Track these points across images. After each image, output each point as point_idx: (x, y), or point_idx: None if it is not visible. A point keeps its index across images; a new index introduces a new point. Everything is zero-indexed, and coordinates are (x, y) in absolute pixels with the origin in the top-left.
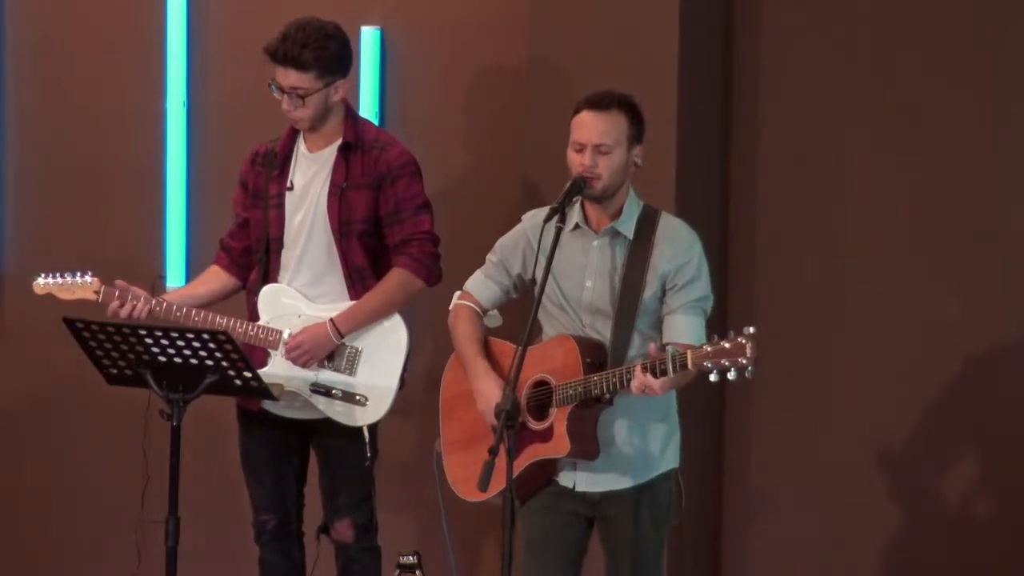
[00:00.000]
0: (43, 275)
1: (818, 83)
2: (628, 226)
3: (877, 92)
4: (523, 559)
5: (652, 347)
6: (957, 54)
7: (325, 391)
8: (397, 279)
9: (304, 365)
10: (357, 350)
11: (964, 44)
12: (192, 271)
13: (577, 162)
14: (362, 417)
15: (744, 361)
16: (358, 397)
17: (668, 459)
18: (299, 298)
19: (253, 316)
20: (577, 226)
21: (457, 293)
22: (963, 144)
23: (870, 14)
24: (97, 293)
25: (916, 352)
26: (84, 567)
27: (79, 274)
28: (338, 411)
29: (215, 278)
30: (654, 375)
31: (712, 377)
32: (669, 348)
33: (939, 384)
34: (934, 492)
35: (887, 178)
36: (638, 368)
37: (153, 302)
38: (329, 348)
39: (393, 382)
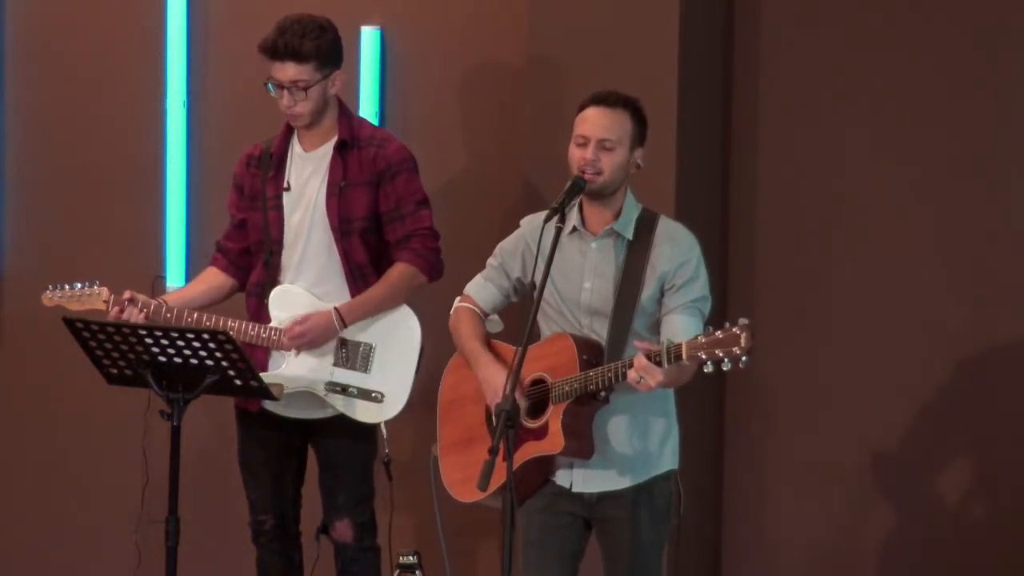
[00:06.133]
0: (51, 287)
1: (818, 83)
2: (627, 227)
3: (877, 91)
4: (521, 559)
5: (646, 344)
6: (957, 53)
7: (341, 389)
8: (401, 273)
9: (303, 349)
10: (371, 347)
11: (965, 43)
12: (192, 271)
13: (579, 156)
14: (378, 414)
15: (738, 351)
16: (374, 394)
17: (666, 460)
18: (309, 298)
19: (254, 317)
20: (575, 229)
21: (458, 298)
22: (964, 143)
23: (870, 13)
24: (107, 303)
25: (916, 352)
26: (84, 567)
27: (87, 284)
28: (355, 409)
29: (214, 279)
30: None
31: (707, 368)
32: (664, 340)
33: (939, 384)
34: (934, 492)
35: (887, 177)
36: (639, 355)
37: (164, 309)
38: (332, 336)
39: (408, 378)
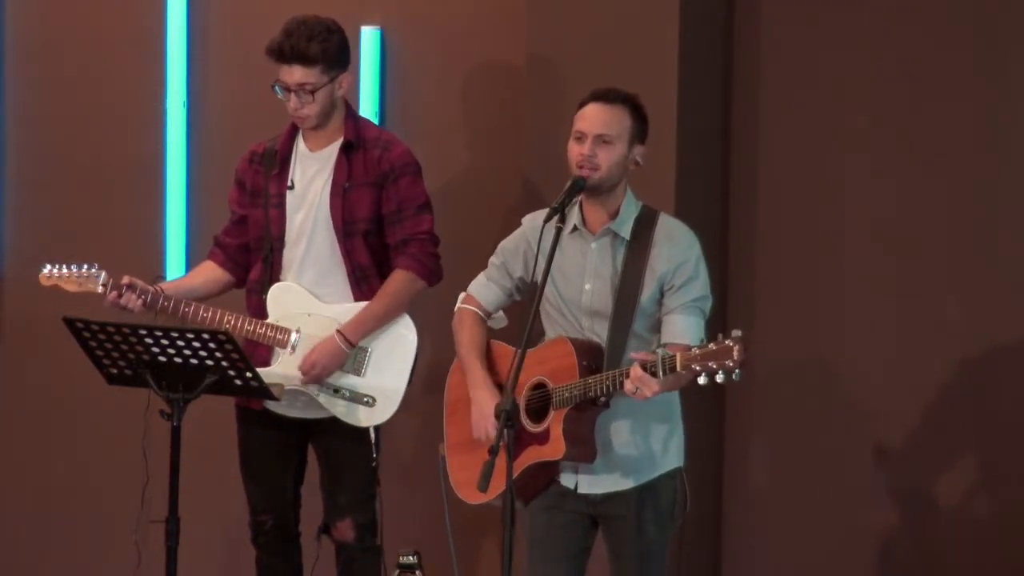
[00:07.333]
0: (48, 265)
1: (818, 83)
2: (625, 227)
3: (877, 91)
4: (526, 558)
5: (641, 354)
6: (957, 53)
7: (333, 391)
8: (400, 281)
9: (321, 378)
10: (366, 351)
11: (963, 44)
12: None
13: (577, 152)
14: (369, 418)
15: (731, 363)
16: (366, 398)
17: (671, 458)
18: (308, 296)
19: (255, 315)
20: (575, 228)
21: (461, 296)
22: (963, 143)
23: (870, 14)
24: (105, 286)
25: (916, 351)
26: (84, 567)
27: (86, 266)
28: (345, 411)
29: (211, 272)
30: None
31: (700, 380)
32: (659, 351)
33: (939, 383)
34: (934, 491)
35: (887, 177)
36: (634, 366)
37: (162, 298)
38: (342, 358)
39: (401, 384)
